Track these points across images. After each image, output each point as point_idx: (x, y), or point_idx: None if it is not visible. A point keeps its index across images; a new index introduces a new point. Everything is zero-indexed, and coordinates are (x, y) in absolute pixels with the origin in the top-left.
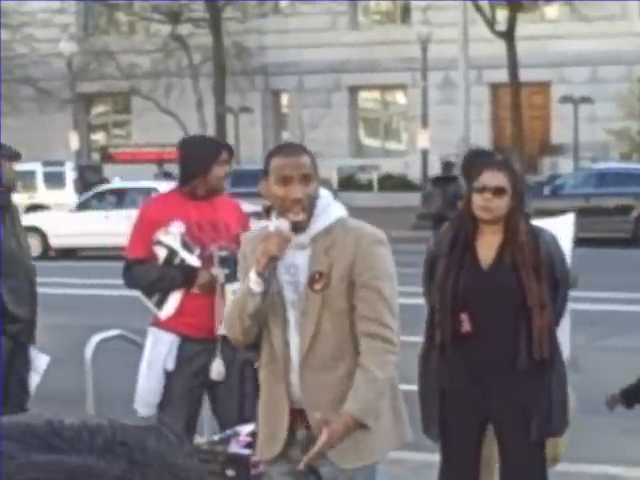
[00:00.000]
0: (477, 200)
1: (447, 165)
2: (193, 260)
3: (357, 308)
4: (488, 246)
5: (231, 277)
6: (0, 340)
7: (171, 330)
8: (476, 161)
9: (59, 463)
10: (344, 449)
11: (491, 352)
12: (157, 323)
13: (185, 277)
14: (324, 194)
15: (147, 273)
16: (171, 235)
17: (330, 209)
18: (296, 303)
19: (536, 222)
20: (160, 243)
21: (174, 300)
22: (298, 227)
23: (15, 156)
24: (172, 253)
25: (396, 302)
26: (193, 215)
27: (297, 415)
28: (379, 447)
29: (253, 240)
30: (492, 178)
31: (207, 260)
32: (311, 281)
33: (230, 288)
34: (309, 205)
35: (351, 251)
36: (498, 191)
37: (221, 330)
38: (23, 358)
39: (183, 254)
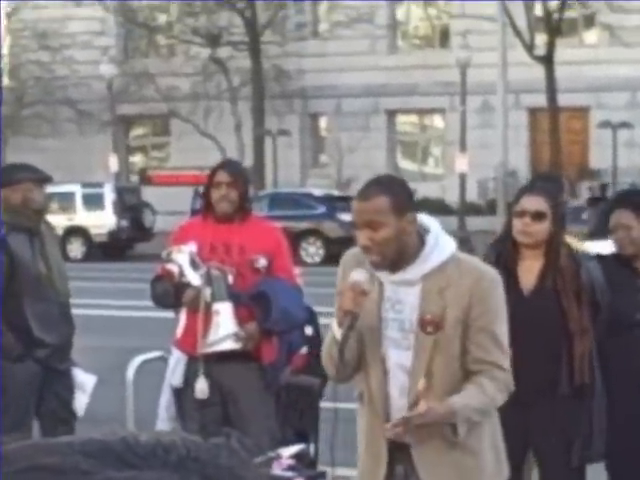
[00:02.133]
0: (517, 224)
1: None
2: (194, 278)
3: (471, 351)
4: (529, 270)
5: (217, 296)
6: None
7: (180, 348)
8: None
9: (134, 478)
10: None
11: (532, 377)
12: (174, 341)
13: (177, 293)
14: (434, 227)
15: (158, 289)
16: (182, 254)
17: (442, 244)
18: (399, 341)
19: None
20: (172, 260)
21: (182, 319)
22: (381, 267)
23: (45, 179)
24: (182, 271)
25: (507, 342)
26: (208, 237)
27: (397, 450)
28: None
29: (351, 259)
30: (532, 202)
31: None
32: (422, 322)
33: (215, 307)
34: (386, 246)
35: (468, 294)
36: (538, 216)
37: (205, 348)
38: (62, 381)
39: (187, 272)
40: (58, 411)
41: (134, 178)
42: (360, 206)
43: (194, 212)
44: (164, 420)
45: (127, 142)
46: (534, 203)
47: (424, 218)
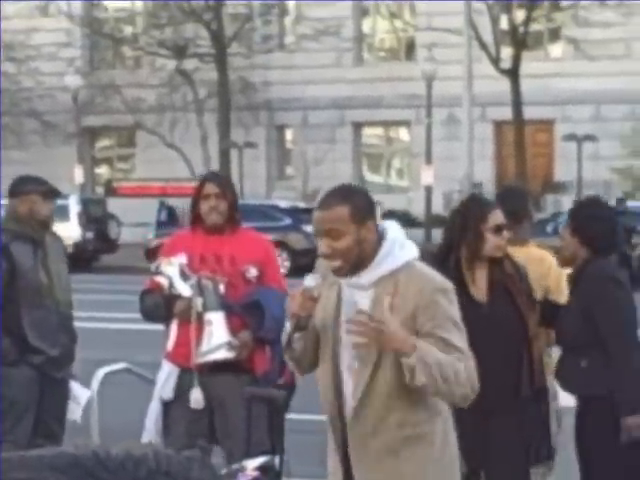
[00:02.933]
0: (493, 240)
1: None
2: (185, 289)
3: None
4: (479, 280)
5: (209, 306)
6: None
7: (171, 361)
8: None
9: None
10: None
11: (495, 383)
12: (165, 354)
13: (167, 305)
14: (392, 234)
15: (147, 302)
16: (171, 266)
17: (396, 252)
18: (352, 344)
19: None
20: (161, 273)
21: (173, 331)
22: (343, 274)
23: (52, 192)
24: (171, 283)
25: (465, 347)
26: (198, 248)
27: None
28: None
29: (324, 267)
30: (501, 217)
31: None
32: None
33: (207, 317)
34: (346, 254)
35: (413, 302)
36: (506, 228)
37: (199, 359)
38: (58, 390)
39: (177, 283)
40: (50, 421)
41: (99, 190)
42: (320, 215)
43: (160, 224)
44: (151, 432)
45: (92, 154)
46: (502, 217)
47: (387, 225)
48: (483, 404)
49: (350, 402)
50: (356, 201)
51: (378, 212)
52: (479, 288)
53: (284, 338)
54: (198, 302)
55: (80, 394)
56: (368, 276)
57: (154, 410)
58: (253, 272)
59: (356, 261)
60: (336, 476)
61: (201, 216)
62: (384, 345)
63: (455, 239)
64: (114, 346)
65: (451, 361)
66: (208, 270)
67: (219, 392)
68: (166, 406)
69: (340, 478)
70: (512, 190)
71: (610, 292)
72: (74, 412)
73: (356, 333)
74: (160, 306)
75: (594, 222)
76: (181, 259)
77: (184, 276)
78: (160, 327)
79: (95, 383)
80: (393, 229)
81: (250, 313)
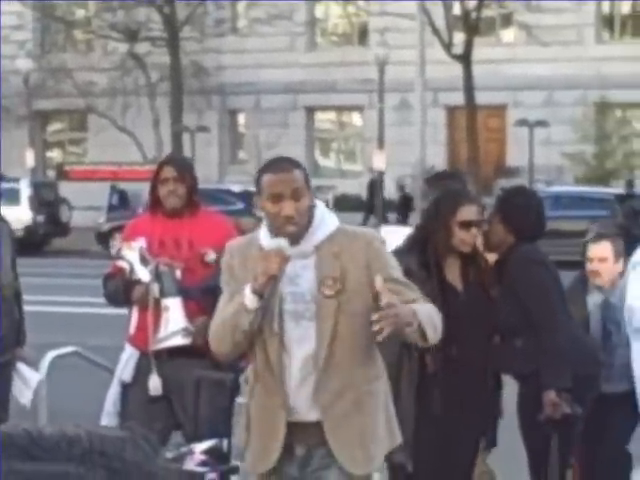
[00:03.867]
0: (463, 236)
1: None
2: (144, 274)
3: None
4: (452, 270)
5: (166, 292)
6: None
7: (132, 344)
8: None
9: (40, 471)
10: (354, 454)
11: (462, 367)
12: (127, 337)
13: (126, 290)
14: (318, 203)
15: (110, 287)
16: (131, 250)
17: (327, 218)
18: (301, 313)
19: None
20: (122, 257)
21: (134, 315)
22: (292, 240)
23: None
24: (132, 267)
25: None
26: (157, 232)
27: (296, 429)
28: (381, 452)
29: (240, 250)
30: (473, 212)
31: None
32: (323, 286)
33: (164, 303)
34: (304, 217)
35: (363, 254)
36: (478, 224)
37: (155, 345)
38: (1, 376)
39: (138, 268)
40: None
41: (51, 173)
42: (283, 177)
43: (111, 208)
44: (110, 414)
45: (44, 137)
46: (475, 213)
47: None
48: (454, 391)
49: (298, 375)
50: (303, 167)
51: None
52: (454, 277)
53: (236, 309)
54: (155, 288)
55: (30, 377)
56: (308, 243)
57: (113, 393)
58: (212, 256)
59: (305, 228)
60: (274, 440)
61: (160, 200)
62: (401, 325)
63: (428, 229)
64: (64, 330)
65: (431, 308)
66: (167, 255)
67: (177, 377)
68: (125, 389)
69: (280, 442)
70: (443, 174)
71: (535, 274)
72: (24, 396)
73: (387, 325)
74: (120, 291)
75: (522, 211)
76: (141, 243)
77: (144, 261)
78: (110, 311)
79: (44, 367)
80: (317, 200)
81: (207, 298)
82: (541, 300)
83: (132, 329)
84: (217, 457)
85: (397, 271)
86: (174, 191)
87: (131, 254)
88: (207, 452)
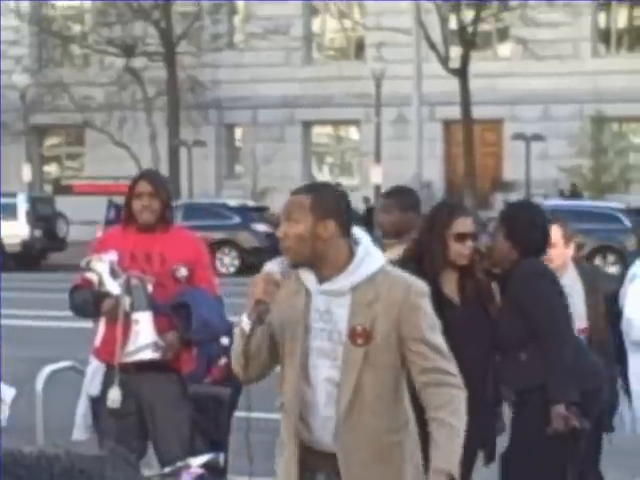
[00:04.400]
0: (459, 248)
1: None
2: (114, 287)
3: (414, 362)
4: (449, 284)
5: (136, 306)
6: None
7: (98, 357)
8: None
9: None
10: None
11: (469, 385)
12: (93, 350)
13: (95, 302)
14: (364, 240)
15: (77, 298)
16: (101, 262)
17: (371, 257)
18: (328, 352)
19: None
20: (91, 269)
21: (101, 328)
22: (295, 265)
23: None
24: (101, 280)
25: (446, 348)
26: (129, 246)
27: (320, 457)
28: None
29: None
30: (469, 225)
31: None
32: (352, 334)
33: (135, 316)
34: (298, 243)
35: (397, 306)
36: (473, 237)
37: (123, 358)
38: None
39: (107, 281)
40: None
41: (48, 188)
42: (287, 200)
43: (108, 222)
44: (81, 428)
45: (41, 152)
46: (470, 225)
47: (356, 231)
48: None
49: (323, 411)
50: (322, 195)
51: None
52: (452, 290)
53: (238, 333)
54: (126, 301)
55: (5, 392)
56: (344, 281)
57: (82, 406)
58: (183, 272)
59: (310, 257)
60: (292, 463)
61: (133, 214)
62: None
63: (424, 242)
64: (61, 344)
65: (458, 430)
66: (138, 269)
67: (145, 391)
68: (94, 403)
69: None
70: (400, 188)
71: (541, 288)
72: (2, 411)
73: None
74: (89, 303)
75: (527, 228)
76: (112, 256)
77: (114, 274)
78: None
79: (40, 381)
80: (363, 235)
81: (178, 314)
82: (547, 313)
83: (98, 342)
84: (213, 471)
85: (432, 333)
86: (148, 206)
87: (101, 266)
88: (204, 466)
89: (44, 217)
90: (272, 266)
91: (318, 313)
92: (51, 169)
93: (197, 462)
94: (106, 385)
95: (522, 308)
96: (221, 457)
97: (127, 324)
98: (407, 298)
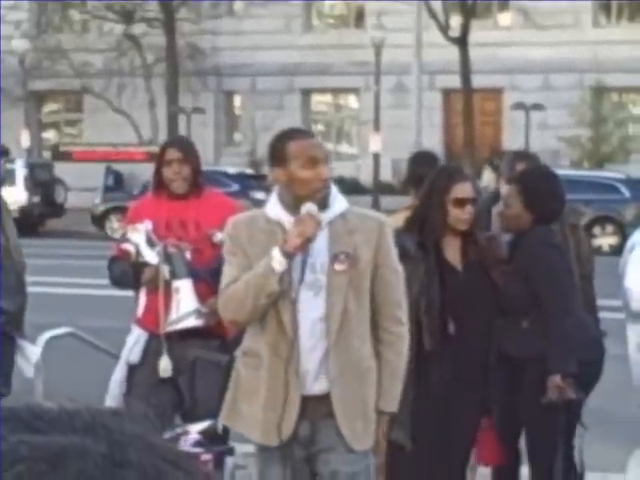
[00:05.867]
0: (458, 213)
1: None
2: (152, 256)
3: (379, 289)
4: (451, 249)
5: (176, 274)
6: None
7: (141, 326)
8: (423, 166)
9: (49, 442)
10: (357, 428)
11: (464, 348)
12: (135, 320)
13: (135, 273)
14: (332, 184)
15: (116, 270)
16: (137, 232)
17: (339, 197)
18: (311, 284)
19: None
20: (128, 240)
21: (142, 298)
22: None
23: (2, 153)
24: (138, 250)
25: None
26: (163, 214)
27: (302, 404)
28: (373, 430)
29: (246, 225)
30: (468, 190)
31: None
32: (334, 261)
33: (175, 285)
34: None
35: (375, 236)
36: (474, 201)
37: (167, 327)
38: (8, 350)
39: (144, 250)
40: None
41: (46, 154)
42: (315, 142)
43: (107, 189)
44: (115, 396)
45: (39, 118)
46: (470, 190)
47: None
48: (466, 372)
49: (306, 343)
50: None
51: None
52: (454, 256)
53: (264, 272)
54: (165, 270)
55: (31, 352)
56: (323, 216)
57: (119, 375)
58: (219, 236)
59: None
60: (291, 409)
61: (164, 182)
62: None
63: (425, 208)
64: (59, 310)
65: (399, 368)
66: (174, 236)
67: (186, 358)
68: (132, 371)
69: (296, 411)
70: (422, 155)
71: (549, 258)
72: (27, 370)
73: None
74: (128, 274)
75: (550, 200)
76: (147, 225)
77: (150, 243)
78: (105, 292)
79: (39, 347)
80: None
81: (218, 279)
82: (552, 284)
83: (140, 311)
84: (212, 438)
85: (397, 261)
86: (179, 173)
87: (137, 236)
88: (202, 433)
89: (42, 183)
90: (312, 208)
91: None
92: (49, 135)
93: (196, 429)
94: (147, 353)
95: (529, 275)
96: (219, 424)
97: (168, 293)
98: (381, 229)
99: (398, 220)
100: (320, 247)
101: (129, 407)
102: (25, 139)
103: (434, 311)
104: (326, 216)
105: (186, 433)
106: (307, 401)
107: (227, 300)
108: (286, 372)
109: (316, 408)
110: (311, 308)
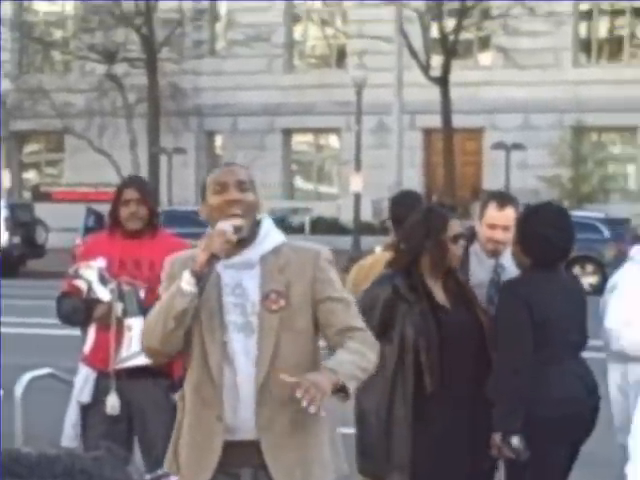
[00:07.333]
0: (455, 250)
1: None
2: (104, 293)
3: (326, 323)
4: (438, 291)
5: (129, 312)
6: None
7: (89, 364)
8: (405, 207)
9: None
10: (294, 476)
11: (467, 387)
12: (82, 358)
13: (87, 309)
14: (266, 217)
15: (66, 306)
16: (90, 269)
17: (273, 232)
18: (243, 326)
19: None
20: (80, 276)
21: (91, 334)
22: (239, 238)
23: None
24: (90, 287)
25: (354, 304)
26: (117, 252)
27: (236, 450)
28: (329, 475)
29: (182, 262)
30: (459, 226)
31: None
32: (266, 301)
33: (127, 322)
34: (249, 216)
35: (310, 267)
36: (464, 237)
37: (117, 364)
38: None
39: (97, 287)
40: None
41: (27, 195)
42: (228, 169)
43: (87, 229)
44: (71, 438)
45: (20, 158)
46: (459, 225)
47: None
48: (463, 410)
49: (239, 387)
50: (250, 174)
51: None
52: (440, 296)
53: (173, 293)
54: (118, 307)
55: None
56: (252, 253)
57: (72, 414)
58: None
59: (251, 228)
60: (210, 454)
61: (120, 221)
62: (322, 397)
63: (418, 249)
64: (40, 351)
65: (360, 353)
66: (127, 275)
67: (138, 398)
68: (84, 410)
69: (217, 456)
70: (406, 194)
71: (511, 311)
72: None
73: (309, 401)
74: (79, 310)
75: (535, 237)
76: (100, 263)
77: (103, 280)
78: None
79: (19, 388)
80: (264, 215)
81: None
82: (502, 337)
83: (88, 349)
84: None
85: (340, 291)
86: (136, 213)
87: (90, 273)
88: None
89: (23, 224)
90: (225, 225)
91: (229, 287)
92: (30, 175)
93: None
94: (97, 392)
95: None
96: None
97: (120, 330)
98: (317, 261)
99: (379, 261)
100: (251, 286)
101: (109, 450)
102: (6, 180)
103: (433, 352)
104: (255, 253)
105: (167, 475)
106: (240, 447)
107: (143, 328)
108: (208, 417)
109: (251, 455)
110: (242, 351)
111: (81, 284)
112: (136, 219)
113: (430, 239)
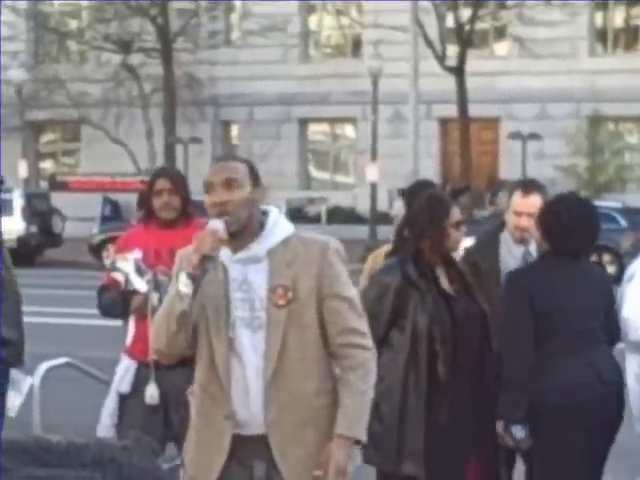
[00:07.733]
0: (457, 236)
1: None
2: (141, 284)
3: (329, 322)
4: (443, 278)
5: None
6: None
7: (130, 356)
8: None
9: (59, 476)
10: (303, 472)
11: (472, 375)
12: (124, 349)
13: (124, 301)
14: (274, 209)
15: (105, 299)
16: (126, 261)
17: (282, 223)
18: (250, 321)
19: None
20: (117, 269)
21: (131, 326)
22: (232, 234)
23: None
24: (127, 278)
25: (360, 305)
26: (152, 243)
27: (247, 444)
28: None
29: (188, 256)
30: (459, 212)
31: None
32: (273, 295)
33: None
34: (241, 213)
35: (317, 262)
36: (464, 223)
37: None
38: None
39: (134, 279)
40: None
41: (44, 184)
42: (217, 167)
43: (104, 219)
44: (108, 427)
45: (37, 148)
46: (459, 212)
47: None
48: (451, 393)
49: (252, 385)
50: (252, 164)
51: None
52: (446, 284)
53: (172, 296)
54: (154, 297)
55: (21, 381)
56: (260, 246)
57: (110, 405)
58: None
59: (245, 223)
60: (219, 453)
61: (153, 211)
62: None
63: (422, 235)
64: (56, 341)
65: (362, 392)
66: (163, 264)
67: (175, 388)
68: (123, 400)
69: (225, 454)
70: (422, 184)
71: (513, 300)
72: (14, 400)
73: None
74: (117, 302)
75: (555, 222)
76: (136, 254)
77: (140, 271)
78: (102, 322)
79: (37, 378)
80: (272, 207)
81: None
82: (506, 327)
83: (129, 340)
84: None
85: (347, 287)
86: (169, 203)
87: (126, 265)
88: None
89: (40, 213)
90: (216, 224)
91: (236, 283)
92: (47, 165)
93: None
94: (137, 382)
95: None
96: None
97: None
98: (325, 254)
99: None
100: (258, 281)
101: (138, 440)
102: (22, 169)
103: (448, 341)
104: (261, 247)
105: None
106: (251, 441)
107: (153, 330)
108: (216, 415)
109: (262, 449)
110: (250, 347)
111: (119, 276)
112: (169, 209)
113: (433, 225)
